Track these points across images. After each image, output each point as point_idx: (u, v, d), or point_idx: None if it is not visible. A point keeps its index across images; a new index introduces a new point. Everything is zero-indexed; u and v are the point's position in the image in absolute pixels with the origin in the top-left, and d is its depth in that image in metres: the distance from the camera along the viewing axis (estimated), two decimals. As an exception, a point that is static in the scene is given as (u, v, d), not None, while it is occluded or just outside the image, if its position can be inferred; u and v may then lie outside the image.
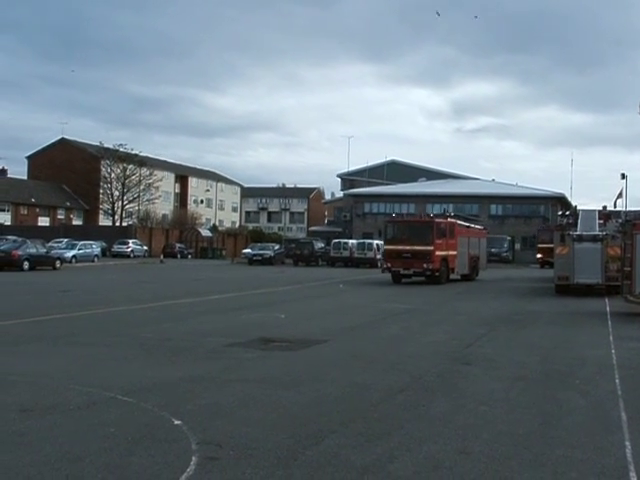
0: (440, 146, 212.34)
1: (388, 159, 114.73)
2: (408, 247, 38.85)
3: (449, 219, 41.77)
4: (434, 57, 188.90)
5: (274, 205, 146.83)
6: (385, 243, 42.53)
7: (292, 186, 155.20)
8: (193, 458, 7.30)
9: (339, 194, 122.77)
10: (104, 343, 15.48)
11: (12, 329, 17.65)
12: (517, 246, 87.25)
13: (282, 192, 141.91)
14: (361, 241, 69.28)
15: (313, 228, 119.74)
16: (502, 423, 9.08)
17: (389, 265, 40.10)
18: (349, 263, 64.42)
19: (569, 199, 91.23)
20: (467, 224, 45.46)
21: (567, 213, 42.64)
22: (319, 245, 72.02)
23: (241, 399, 10.12)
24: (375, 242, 66.47)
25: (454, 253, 41.15)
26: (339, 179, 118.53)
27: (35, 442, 7.80)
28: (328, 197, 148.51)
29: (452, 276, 41.58)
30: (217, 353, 14.23)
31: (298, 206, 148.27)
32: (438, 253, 38.88)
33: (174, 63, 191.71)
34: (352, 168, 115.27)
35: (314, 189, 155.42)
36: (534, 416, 9.49)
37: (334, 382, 11.54)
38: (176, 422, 8.65)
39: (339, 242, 68.95)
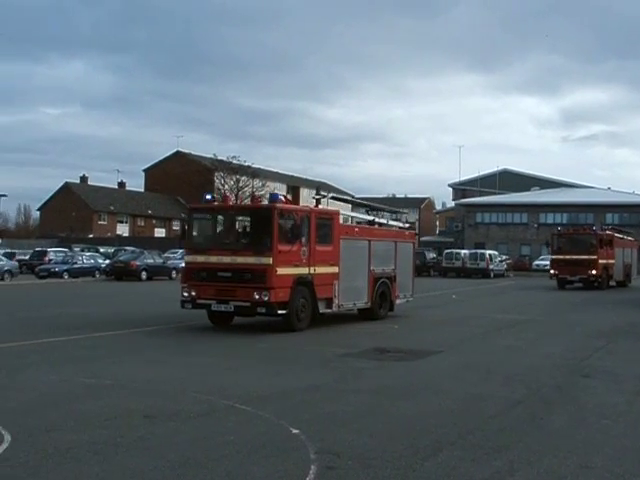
0: (551, 154, 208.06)
1: (500, 168, 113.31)
2: (575, 257, 44.60)
3: (607, 232, 48.09)
4: (542, 65, 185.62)
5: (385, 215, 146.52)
6: (552, 253, 47.57)
7: (402, 196, 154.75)
8: (312, 467, 7.36)
9: (450, 204, 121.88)
10: (219, 352, 15.77)
11: (133, 337, 18.14)
12: (634, 255, 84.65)
13: (393, 202, 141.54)
14: (473, 251, 68.37)
15: (424, 238, 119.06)
16: (626, 438, 8.86)
17: (556, 272, 45.90)
18: (461, 273, 63.72)
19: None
20: (621, 236, 50.56)
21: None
22: (431, 255, 71.48)
23: (358, 409, 10.16)
24: (488, 252, 65.66)
25: (613, 262, 46.71)
26: (450, 189, 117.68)
27: (158, 448, 8.00)
28: (439, 207, 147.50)
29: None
30: (332, 363, 14.31)
31: (409, 216, 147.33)
32: (601, 261, 44.57)
33: (283, 77, 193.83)
34: (463, 178, 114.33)
35: (425, 199, 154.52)
36: (659, 431, 9.21)
37: (450, 393, 11.46)
38: (294, 431, 8.73)
39: (451, 252, 68.25)
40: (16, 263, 51.48)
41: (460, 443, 8.43)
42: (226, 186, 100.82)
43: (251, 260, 19.27)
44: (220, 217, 21.69)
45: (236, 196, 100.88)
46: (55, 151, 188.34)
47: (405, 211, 32.52)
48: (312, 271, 20.16)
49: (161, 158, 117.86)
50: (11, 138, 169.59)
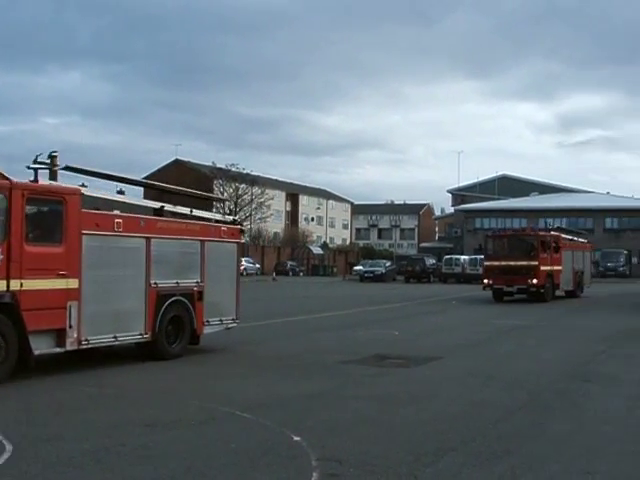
0: (548, 160, 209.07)
1: (499, 174, 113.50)
2: (512, 263, 36.24)
3: (552, 232, 40.16)
4: (539, 71, 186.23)
5: (384, 222, 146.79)
6: (486, 259, 39.51)
7: (401, 202, 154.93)
8: (314, 474, 7.34)
9: (449, 210, 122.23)
10: (220, 360, 15.77)
11: (130, 346, 18.07)
12: (634, 260, 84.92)
13: (392, 209, 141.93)
14: (473, 257, 68.08)
15: (424, 244, 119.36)
16: (627, 443, 8.84)
17: (490, 282, 37.26)
18: (461, 279, 63.77)
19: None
20: (571, 237, 43.05)
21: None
22: (430, 261, 71.55)
23: (359, 416, 10.15)
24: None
25: (559, 268, 38.49)
26: (449, 195, 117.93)
27: (160, 456, 7.98)
28: (438, 213, 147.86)
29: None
30: (333, 370, 14.30)
31: (408, 222, 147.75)
32: (543, 268, 36.48)
33: (281, 85, 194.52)
34: (462, 184, 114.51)
35: (424, 205, 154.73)
36: (660, 436, 9.20)
37: (451, 399, 11.46)
38: (295, 438, 8.72)
39: (451, 258, 68.35)
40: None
41: (462, 449, 8.42)
42: (225, 194, 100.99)
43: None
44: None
45: (235, 204, 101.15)
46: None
47: (226, 198, 19.68)
48: (15, 287, 12.53)
49: (160, 166, 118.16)
50: (10, 147, 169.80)
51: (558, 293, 39.03)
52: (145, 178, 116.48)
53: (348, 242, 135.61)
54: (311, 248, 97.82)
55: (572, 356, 16.78)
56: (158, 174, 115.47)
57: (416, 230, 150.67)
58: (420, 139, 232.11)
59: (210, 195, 19.55)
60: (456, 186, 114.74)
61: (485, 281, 38.53)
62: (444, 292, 47.19)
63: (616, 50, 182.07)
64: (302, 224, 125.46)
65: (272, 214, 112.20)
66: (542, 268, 36.49)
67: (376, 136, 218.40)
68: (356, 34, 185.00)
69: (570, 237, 43.19)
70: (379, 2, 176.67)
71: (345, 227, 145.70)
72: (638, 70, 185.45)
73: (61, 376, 13.32)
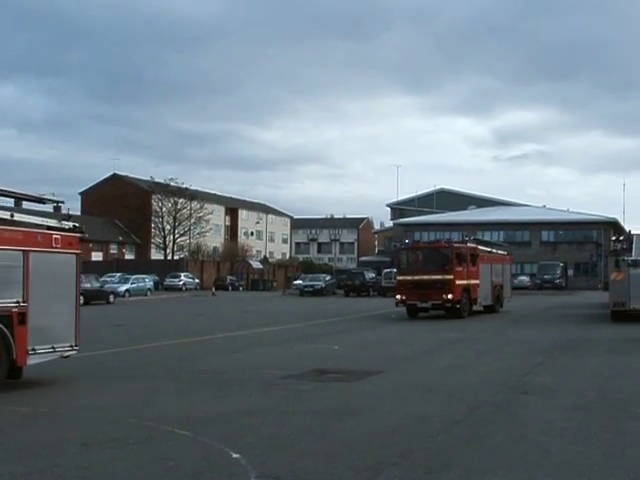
0: (485, 174, 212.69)
1: (437, 187, 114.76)
2: (426, 277, 34.22)
3: (469, 244, 37.72)
4: (475, 87, 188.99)
5: (324, 236, 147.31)
6: (399, 273, 37.17)
7: (341, 217, 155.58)
8: (253, 492, 7.28)
9: (389, 224, 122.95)
10: (159, 377, 15.56)
11: (69, 363, 17.77)
12: (570, 272, 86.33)
13: (331, 223, 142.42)
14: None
15: (363, 258, 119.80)
16: (564, 454, 8.92)
17: (403, 298, 34.68)
18: (400, 293, 63.98)
19: (622, 224, 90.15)
20: (489, 249, 40.69)
21: (621, 238, 40.95)
22: (370, 275, 71.76)
23: (299, 431, 10.10)
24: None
25: (476, 282, 36.25)
26: (388, 209, 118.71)
27: (96, 476, 7.84)
28: (377, 227, 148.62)
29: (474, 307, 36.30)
30: (272, 385, 14.22)
31: (348, 236, 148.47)
32: (459, 282, 34.22)
33: (219, 99, 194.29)
34: (401, 198, 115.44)
35: (363, 219, 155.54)
36: (596, 446, 9.29)
37: (391, 413, 11.46)
38: (234, 455, 8.63)
39: (390, 272, 68.30)
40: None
41: (401, 463, 8.41)
42: (164, 208, 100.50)
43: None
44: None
45: (174, 218, 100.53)
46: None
47: (62, 201, 15.84)
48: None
49: (97, 181, 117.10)
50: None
51: (476, 308, 37.04)
52: (82, 192, 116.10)
53: (288, 256, 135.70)
54: (251, 262, 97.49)
55: (510, 368, 16.93)
56: (96, 189, 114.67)
57: (355, 244, 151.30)
58: (359, 154, 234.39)
59: (43, 197, 16.73)
60: (395, 200, 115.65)
61: (398, 297, 35.48)
62: (384, 306, 47.26)
63: (550, 67, 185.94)
64: (241, 238, 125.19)
65: (211, 229, 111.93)
66: (458, 282, 34.25)
67: (315, 151, 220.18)
68: (294, 49, 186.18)
69: (489, 249, 41.19)
70: (316, 17, 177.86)
71: (285, 241, 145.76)
72: (571, 86, 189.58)
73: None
